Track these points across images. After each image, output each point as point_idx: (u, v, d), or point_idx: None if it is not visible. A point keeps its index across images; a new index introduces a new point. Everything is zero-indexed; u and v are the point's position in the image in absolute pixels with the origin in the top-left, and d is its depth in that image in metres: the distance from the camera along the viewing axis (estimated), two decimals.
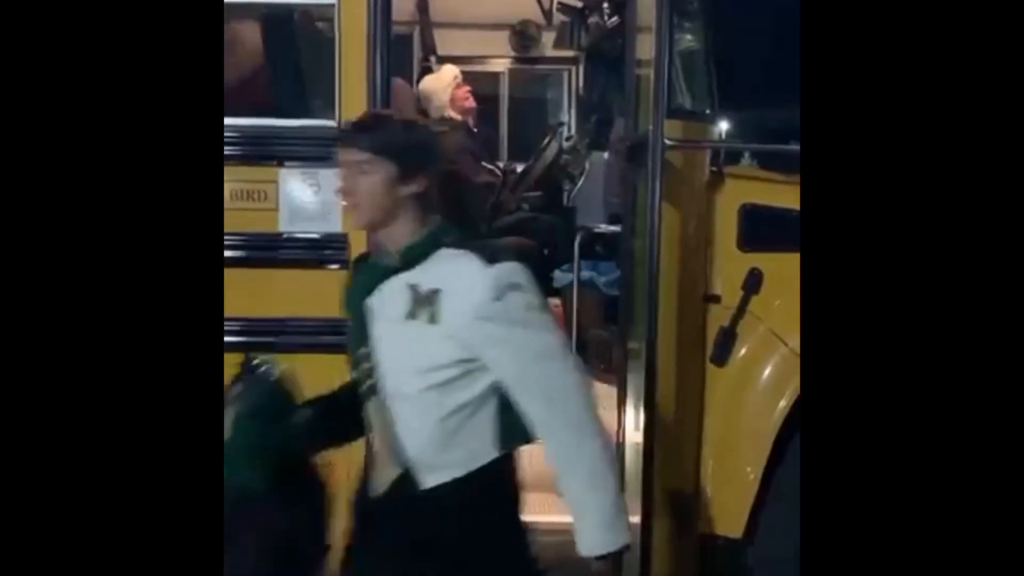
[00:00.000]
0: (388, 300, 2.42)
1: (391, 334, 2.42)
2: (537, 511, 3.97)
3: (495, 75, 7.43)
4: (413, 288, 2.39)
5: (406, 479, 2.45)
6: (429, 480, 2.43)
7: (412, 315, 2.37)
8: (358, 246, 3.53)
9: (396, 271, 2.43)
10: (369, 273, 2.50)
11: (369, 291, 2.45)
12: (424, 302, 2.37)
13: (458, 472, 2.42)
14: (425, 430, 2.41)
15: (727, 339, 3.66)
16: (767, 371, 3.60)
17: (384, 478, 2.49)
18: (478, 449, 2.44)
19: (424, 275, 2.40)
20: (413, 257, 2.42)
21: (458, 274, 2.37)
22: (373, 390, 2.46)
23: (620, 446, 3.81)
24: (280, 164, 3.59)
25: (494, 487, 2.47)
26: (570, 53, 7.07)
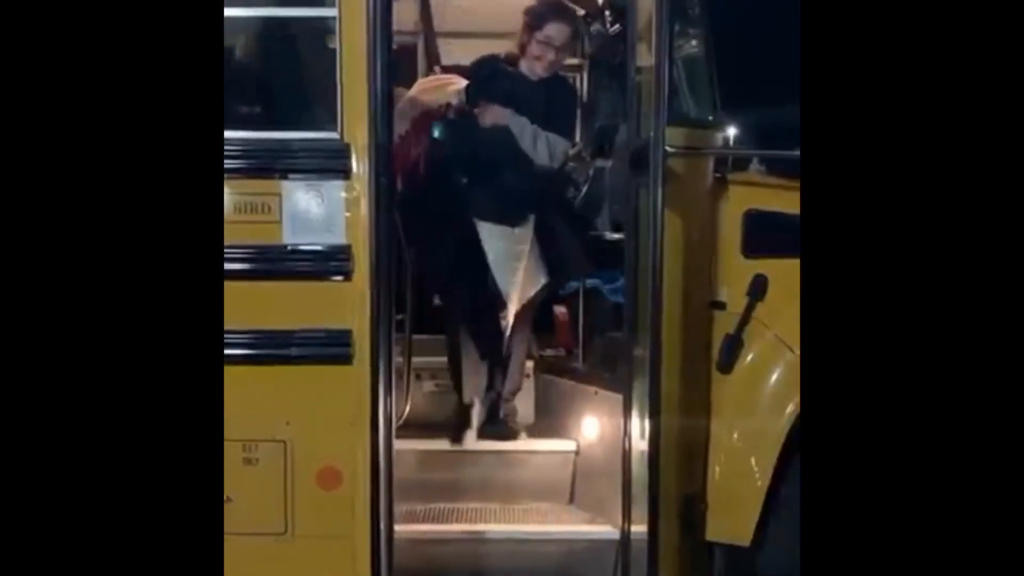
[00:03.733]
0: None
1: None
2: (538, 521, 3.99)
3: None
4: None
5: None
6: None
7: None
8: (361, 258, 3.53)
9: None
10: None
11: None
12: None
13: None
14: None
15: (733, 346, 3.65)
16: (773, 377, 3.60)
17: None
18: None
19: None
20: None
21: None
22: None
23: (626, 454, 3.80)
24: (283, 177, 3.58)
25: None
26: (574, 60, 7.05)
